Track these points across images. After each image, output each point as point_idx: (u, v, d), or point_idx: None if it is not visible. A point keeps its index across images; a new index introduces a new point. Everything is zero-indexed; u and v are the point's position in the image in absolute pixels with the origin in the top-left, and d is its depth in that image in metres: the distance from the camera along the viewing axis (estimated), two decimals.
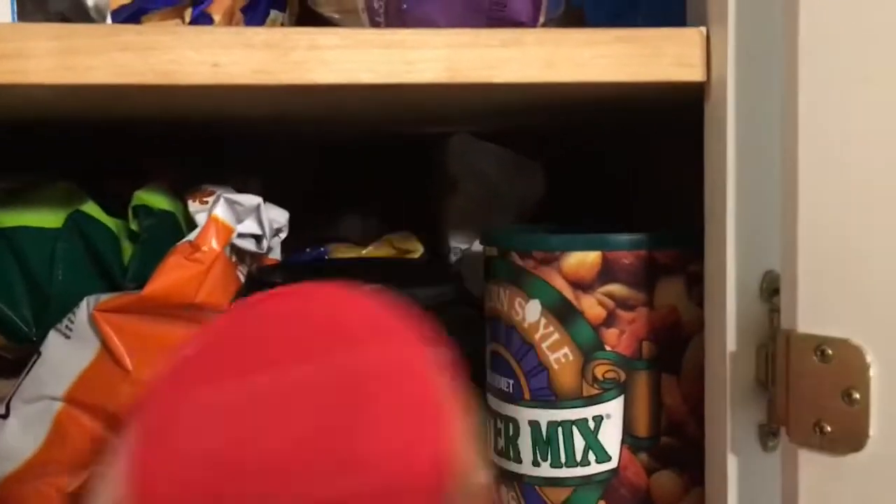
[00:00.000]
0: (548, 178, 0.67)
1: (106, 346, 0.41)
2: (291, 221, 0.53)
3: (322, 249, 0.61)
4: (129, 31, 0.30)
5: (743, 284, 0.35)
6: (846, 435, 0.29)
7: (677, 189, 0.51)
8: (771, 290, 0.35)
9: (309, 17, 0.43)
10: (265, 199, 0.44)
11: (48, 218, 0.44)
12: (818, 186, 0.30)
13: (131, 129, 0.53)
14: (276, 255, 0.52)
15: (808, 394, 0.30)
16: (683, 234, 0.42)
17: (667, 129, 0.57)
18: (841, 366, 0.29)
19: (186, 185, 0.45)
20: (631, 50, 0.35)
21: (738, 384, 0.35)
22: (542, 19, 0.41)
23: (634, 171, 0.64)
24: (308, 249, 0.61)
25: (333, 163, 0.73)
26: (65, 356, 0.42)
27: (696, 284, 0.42)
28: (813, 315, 0.30)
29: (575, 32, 0.34)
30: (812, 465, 0.30)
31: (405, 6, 0.39)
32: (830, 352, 0.29)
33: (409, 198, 0.70)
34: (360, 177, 0.71)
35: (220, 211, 0.42)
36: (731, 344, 0.35)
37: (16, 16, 0.35)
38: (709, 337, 0.36)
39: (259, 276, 0.51)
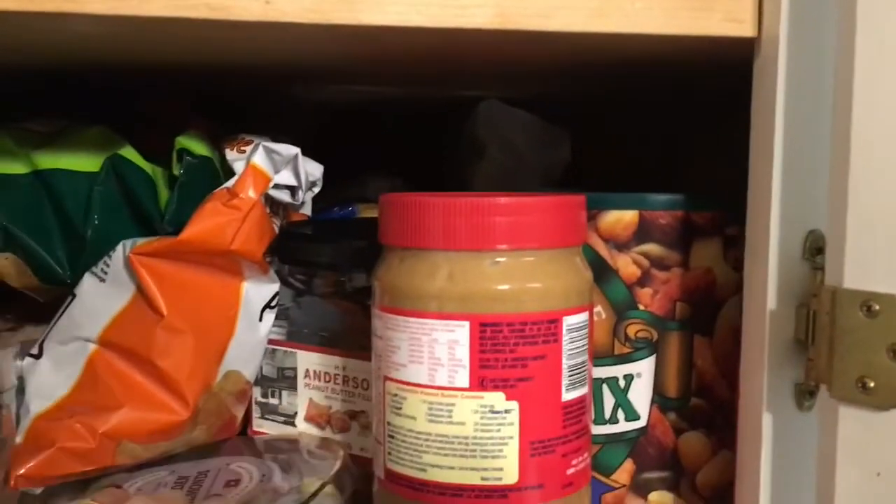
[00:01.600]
0: (575, 147, 0.67)
1: (141, 290, 0.42)
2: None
3: (350, 209, 0.61)
4: None
5: (785, 243, 0.35)
6: (890, 389, 0.29)
7: (710, 157, 0.51)
8: (814, 248, 0.35)
9: None
10: None
11: (85, 161, 0.44)
12: (871, 141, 0.30)
13: (167, 80, 0.52)
14: (306, 211, 0.52)
15: (851, 350, 0.30)
16: (721, 197, 0.41)
17: (704, 97, 0.57)
18: (888, 321, 0.29)
19: (224, 135, 0.45)
20: (681, 3, 0.34)
21: (775, 343, 0.35)
22: None
23: (667, 141, 0.64)
24: (336, 208, 0.61)
25: (363, 124, 0.73)
26: (100, 299, 0.42)
27: (732, 247, 0.42)
28: (860, 271, 0.30)
29: None
30: (852, 422, 0.30)
31: None
32: (877, 307, 0.29)
33: (437, 162, 0.70)
34: (388, 139, 0.71)
35: (259, 159, 0.42)
36: (771, 303, 0.35)
37: None
38: (748, 295, 0.36)
39: (290, 230, 0.51)
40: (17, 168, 0.44)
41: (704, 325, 0.42)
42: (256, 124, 0.49)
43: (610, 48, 0.38)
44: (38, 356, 0.43)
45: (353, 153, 0.71)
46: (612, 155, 0.68)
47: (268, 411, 0.50)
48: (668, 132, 0.63)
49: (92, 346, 0.42)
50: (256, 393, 0.50)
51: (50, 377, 0.42)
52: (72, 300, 0.43)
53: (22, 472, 0.39)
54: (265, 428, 0.50)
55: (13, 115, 0.46)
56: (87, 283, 0.43)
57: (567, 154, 0.67)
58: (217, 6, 0.30)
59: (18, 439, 0.40)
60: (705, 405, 0.42)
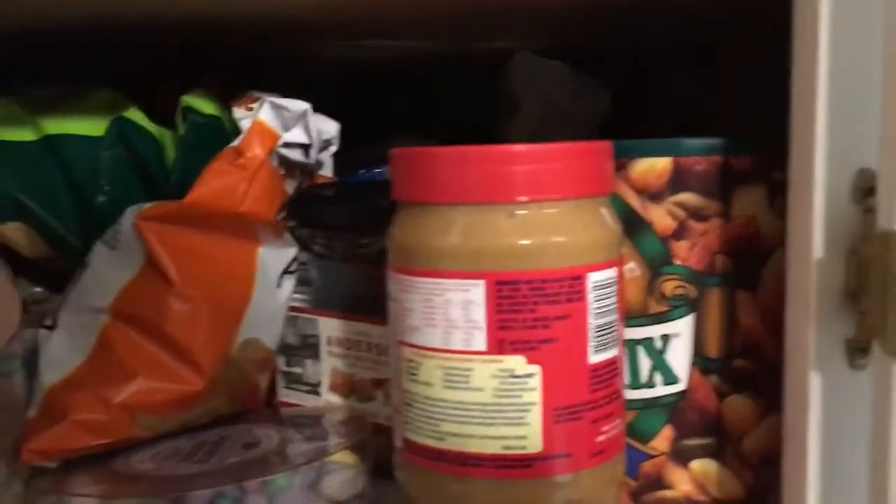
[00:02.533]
0: (613, 100, 0.64)
1: (150, 258, 0.40)
2: (345, 144, 0.51)
3: (377, 171, 0.58)
4: None
5: (833, 184, 0.31)
6: None
7: (750, 109, 0.47)
8: (865, 189, 0.31)
9: None
10: None
11: (92, 125, 0.43)
12: None
13: (180, 41, 0.51)
14: (327, 172, 0.50)
15: None
16: (764, 138, 0.38)
17: (740, 45, 0.53)
18: None
19: (234, 93, 0.43)
20: None
21: (824, 295, 0.31)
22: None
23: (706, 92, 0.60)
24: (362, 171, 0.59)
25: (387, 84, 0.70)
26: (110, 267, 0.41)
27: (778, 193, 0.38)
28: None
29: None
30: None
31: None
32: None
33: (469, 118, 0.67)
34: (417, 98, 0.69)
35: (265, 115, 0.40)
36: (817, 250, 0.31)
37: None
38: (792, 243, 0.33)
39: (311, 192, 0.49)
40: (24, 135, 0.43)
41: (748, 279, 0.39)
42: (276, 86, 0.47)
43: None
44: (52, 327, 0.42)
45: (382, 115, 0.68)
46: (655, 109, 0.64)
47: (292, 381, 0.49)
48: (710, 81, 0.59)
49: (104, 317, 0.41)
50: (280, 362, 0.49)
51: (63, 348, 0.41)
52: (84, 270, 0.42)
53: (34, 445, 0.38)
54: (290, 398, 0.49)
55: (20, 80, 0.45)
56: (98, 251, 0.42)
57: (606, 106, 0.63)
58: None
59: (32, 412, 0.39)
60: (751, 366, 0.39)
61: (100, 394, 0.39)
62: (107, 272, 0.41)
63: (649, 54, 0.65)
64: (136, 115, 0.43)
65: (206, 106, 0.43)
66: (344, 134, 0.46)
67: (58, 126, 0.43)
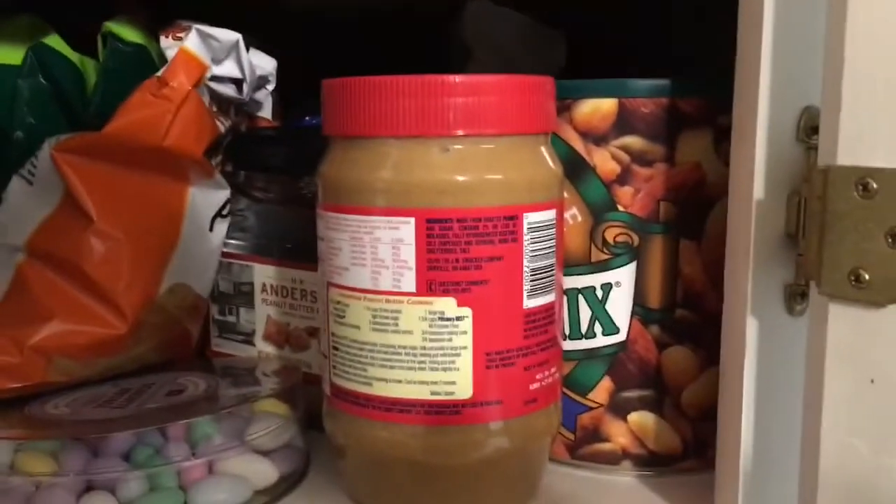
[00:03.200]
0: (569, 48, 0.62)
1: (68, 192, 0.38)
2: (295, 94, 0.48)
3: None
4: None
5: (777, 123, 0.30)
6: (887, 282, 0.25)
7: (705, 43, 0.45)
8: (809, 128, 0.30)
9: None
10: None
11: (10, 54, 0.40)
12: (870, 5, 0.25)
13: None
14: (266, 113, 0.48)
15: (845, 238, 0.26)
16: (712, 82, 0.36)
17: None
18: (887, 200, 0.25)
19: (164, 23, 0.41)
20: None
21: (763, 238, 0.30)
22: None
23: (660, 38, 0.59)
24: (308, 118, 0.57)
25: (343, 34, 0.68)
26: (27, 203, 0.39)
27: (724, 139, 0.37)
28: (856, 145, 0.25)
29: None
30: (843, 321, 0.26)
31: None
32: (875, 185, 0.25)
33: (424, 69, 0.65)
34: (369, 49, 0.66)
35: (192, 43, 0.37)
36: (758, 191, 0.30)
37: None
38: (734, 185, 0.32)
39: (249, 133, 0.47)
40: None
41: (692, 227, 0.37)
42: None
43: None
44: None
45: (340, 63, 0.66)
46: (609, 59, 0.63)
47: (226, 330, 0.47)
48: (658, 22, 0.58)
49: (20, 255, 0.39)
50: (214, 311, 0.47)
51: None
52: None
53: None
54: (224, 348, 0.47)
55: None
56: (15, 186, 0.39)
57: (562, 57, 0.61)
58: None
59: None
60: (692, 317, 0.38)
61: (13, 335, 0.37)
62: (23, 208, 0.39)
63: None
64: (55, 41, 0.41)
65: (129, 34, 0.40)
66: (300, 87, 0.44)
67: None
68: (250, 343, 0.46)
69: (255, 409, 0.38)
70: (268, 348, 0.45)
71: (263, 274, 0.45)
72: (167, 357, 0.44)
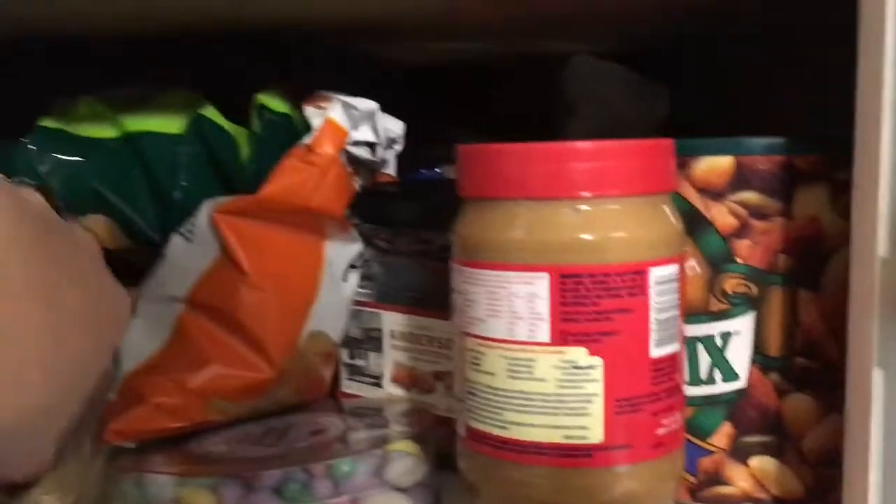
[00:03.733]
0: (673, 101, 0.64)
1: (225, 249, 0.42)
2: (405, 145, 0.52)
3: (437, 170, 0.60)
4: None
5: None
6: None
7: (818, 98, 0.47)
8: None
9: None
10: None
11: (171, 123, 0.45)
12: None
13: (251, 44, 0.53)
14: (390, 171, 0.51)
15: None
16: (828, 138, 0.38)
17: (805, 32, 0.53)
18: None
19: (304, 93, 0.45)
20: None
21: (888, 294, 0.32)
22: None
23: (769, 87, 0.60)
24: (422, 170, 0.60)
25: (445, 85, 0.72)
26: (186, 259, 0.43)
27: (841, 193, 0.38)
28: None
29: None
30: None
31: None
32: None
33: (527, 122, 0.68)
34: (473, 99, 0.70)
35: (336, 114, 0.41)
36: (882, 249, 0.31)
37: None
38: (856, 241, 0.33)
39: (375, 190, 0.51)
40: (108, 132, 0.45)
41: (810, 278, 0.39)
42: (337, 86, 0.49)
43: None
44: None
45: (439, 115, 0.69)
46: (714, 107, 0.64)
47: (355, 373, 0.50)
48: (769, 77, 0.59)
49: (180, 306, 0.43)
50: (344, 354, 0.50)
51: (142, 336, 0.43)
52: (161, 261, 0.44)
53: (115, 426, 0.40)
54: (353, 389, 0.50)
55: (106, 81, 0.47)
56: (175, 243, 0.44)
57: (665, 108, 0.63)
58: None
59: (112, 395, 0.41)
60: (812, 365, 0.39)
61: (176, 379, 0.41)
62: (183, 263, 0.43)
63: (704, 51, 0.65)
64: (212, 113, 0.45)
65: (277, 104, 0.45)
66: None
67: (138, 124, 0.45)
68: (379, 385, 0.49)
69: (388, 449, 0.40)
70: (396, 390, 0.48)
71: (391, 321, 0.48)
72: (303, 399, 0.47)
